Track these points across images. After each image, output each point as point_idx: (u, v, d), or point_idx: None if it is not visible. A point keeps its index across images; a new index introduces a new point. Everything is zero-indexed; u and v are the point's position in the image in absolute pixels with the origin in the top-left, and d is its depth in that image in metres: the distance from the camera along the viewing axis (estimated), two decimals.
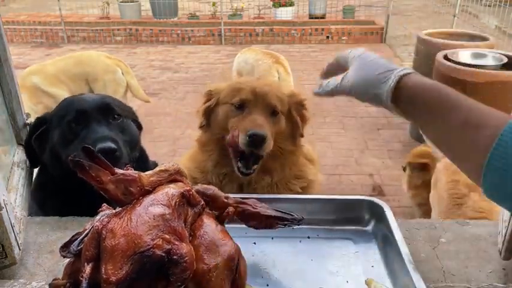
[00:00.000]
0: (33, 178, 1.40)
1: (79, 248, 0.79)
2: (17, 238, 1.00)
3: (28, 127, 1.36)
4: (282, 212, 0.97)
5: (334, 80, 0.96)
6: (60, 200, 1.30)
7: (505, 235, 1.01)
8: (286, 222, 0.96)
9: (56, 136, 1.29)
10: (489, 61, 3.53)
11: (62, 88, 4.20)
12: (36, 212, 1.33)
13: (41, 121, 1.34)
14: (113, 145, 1.20)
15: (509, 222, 0.99)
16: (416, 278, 0.84)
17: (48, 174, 1.34)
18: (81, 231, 0.83)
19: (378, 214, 1.08)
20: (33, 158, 1.34)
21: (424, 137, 0.80)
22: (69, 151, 1.23)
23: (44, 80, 4.13)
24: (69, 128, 1.27)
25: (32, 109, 3.99)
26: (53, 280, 0.79)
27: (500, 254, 1.03)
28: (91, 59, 4.35)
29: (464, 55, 3.62)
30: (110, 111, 1.32)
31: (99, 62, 4.29)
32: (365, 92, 0.87)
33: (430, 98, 0.77)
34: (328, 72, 1.04)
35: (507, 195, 0.65)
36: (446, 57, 3.65)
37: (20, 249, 1.01)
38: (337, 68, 1.01)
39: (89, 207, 1.00)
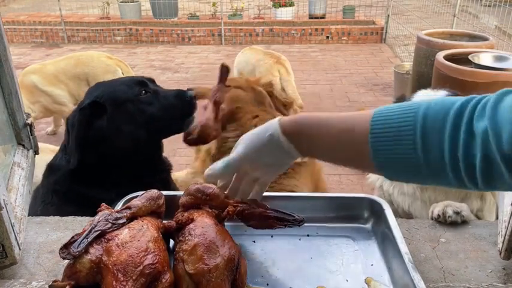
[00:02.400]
0: (50, 172, 1.40)
1: (79, 249, 0.79)
2: (17, 238, 1.00)
3: (80, 117, 1.30)
4: (282, 212, 0.97)
5: (222, 160, 0.94)
6: (104, 185, 1.33)
7: (505, 235, 1.01)
8: (286, 223, 0.96)
9: (129, 115, 1.33)
10: (510, 64, 3.53)
11: (61, 88, 4.20)
12: (51, 202, 1.36)
13: (96, 108, 1.31)
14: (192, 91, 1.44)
15: (509, 222, 0.99)
16: (416, 277, 0.84)
17: (97, 162, 1.34)
18: (80, 232, 0.83)
19: (378, 212, 1.08)
20: (82, 150, 1.30)
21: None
22: (151, 119, 1.35)
23: (42, 79, 4.13)
24: (140, 100, 1.35)
25: (29, 108, 4.00)
26: (53, 282, 0.79)
27: (500, 254, 1.03)
28: (91, 59, 4.35)
29: (486, 57, 3.62)
30: (154, 82, 1.50)
31: (100, 63, 4.29)
32: (258, 148, 0.89)
33: (310, 125, 0.85)
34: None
35: (399, 171, 0.76)
36: (449, 54, 3.65)
37: (20, 249, 1.01)
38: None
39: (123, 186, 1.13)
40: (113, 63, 4.31)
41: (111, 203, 1.00)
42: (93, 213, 0.92)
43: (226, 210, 0.96)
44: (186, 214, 0.94)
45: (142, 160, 1.39)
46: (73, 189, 1.36)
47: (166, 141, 1.50)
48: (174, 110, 1.39)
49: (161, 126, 1.39)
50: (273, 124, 0.87)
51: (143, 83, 1.40)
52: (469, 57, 3.61)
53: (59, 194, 1.37)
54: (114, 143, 1.33)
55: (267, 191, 1.04)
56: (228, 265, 0.82)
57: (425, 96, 1.55)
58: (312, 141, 0.84)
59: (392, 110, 0.76)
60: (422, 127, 0.70)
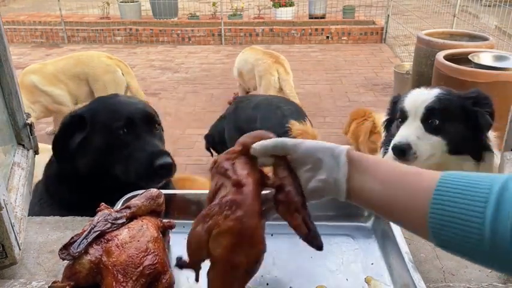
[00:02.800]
0: (49, 168, 1.40)
1: (78, 250, 0.79)
2: (17, 238, 1.00)
3: (62, 124, 1.31)
4: (315, 231, 0.82)
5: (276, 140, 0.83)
6: (79, 193, 1.30)
7: None
8: (306, 238, 0.81)
9: (101, 141, 1.26)
10: (510, 64, 3.54)
11: (60, 88, 4.21)
12: (46, 202, 1.36)
13: (78, 120, 1.29)
14: (170, 160, 1.24)
15: None
16: (416, 277, 0.84)
17: (71, 169, 1.31)
18: (79, 232, 0.83)
19: None
20: (60, 152, 1.31)
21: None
22: (116, 157, 1.25)
23: (42, 79, 4.13)
24: (117, 135, 1.25)
25: (29, 107, 4.00)
26: (52, 283, 0.79)
27: None
28: (91, 59, 4.35)
29: (486, 57, 3.63)
30: (154, 122, 1.34)
31: (100, 62, 4.29)
32: (315, 150, 0.78)
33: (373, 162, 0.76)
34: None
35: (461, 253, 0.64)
36: (449, 54, 3.66)
37: (20, 249, 1.01)
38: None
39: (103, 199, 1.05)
40: (112, 63, 4.31)
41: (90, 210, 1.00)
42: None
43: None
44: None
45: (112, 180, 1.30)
46: (59, 192, 1.35)
47: (166, 141, 1.49)
48: (135, 169, 1.24)
49: (118, 171, 1.28)
50: (338, 146, 0.78)
51: (131, 121, 1.27)
52: (469, 56, 3.62)
53: (50, 194, 1.37)
54: (84, 159, 1.29)
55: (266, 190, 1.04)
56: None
57: (420, 94, 1.49)
58: (373, 176, 0.73)
59: (463, 185, 0.63)
60: (495, 209, 0.59)
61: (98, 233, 0.83)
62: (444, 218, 0.63)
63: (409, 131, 1.42)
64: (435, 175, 0.67)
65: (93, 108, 1.33)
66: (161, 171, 1.22)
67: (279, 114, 2.98)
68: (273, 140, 0.81)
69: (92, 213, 0.92)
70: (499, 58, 3.63)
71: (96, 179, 1.29)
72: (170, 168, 1.23)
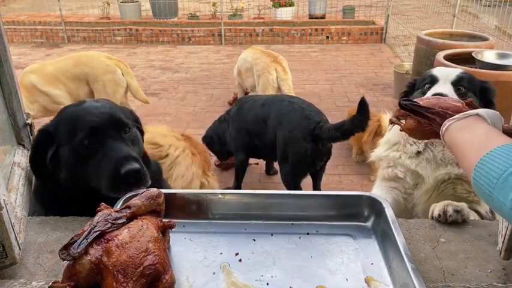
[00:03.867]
0: (37, 184, 1.38)
1: (78, 250, 0.79)
2: (17, 238, 1.00)
3: (34, 141, 1.28)
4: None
5: None
6: (64, 204, 1.27)
7: (505, 235, 1.01)
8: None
9: (68, 154, 1.22)
10: None
11: (59, 88, 4.21)
12: (39, 211, 1.34)
13: (45, 136, 1.25)
14: (137, 165, 1.17)
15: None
16: (415, 277, 0.84)
17: (54, 182, 1.28)
18: (79, 233, 0.83)
19: (378, 210, 1.08)
20: (38, 170, 1.28)
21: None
22: (86, 168, 1.21)
23: (41, 79, 4.14)
24: (83, 146, 1.20)
25: (28, 107, 4.01)
26: (53, 283, 0.79)
27: (500, 253, 1.03)
28: (91, 59, 4.35)
29: (490, 55, 3.65)
30: (122, 126, 1.27)
31: (99, 63, 4.29)
32: None
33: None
34: None
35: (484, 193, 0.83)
36: (449, 54, 3.67)
37: (20, 249, 1.01)
38: None
39: (89, 210, 1.03)
40: (112, 64, 4.31)
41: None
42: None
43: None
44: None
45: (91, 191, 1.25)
46: (46, 203, 1.33)
47: None
48: (102, 179, 1.19)
49: (92, 182, 1.23)
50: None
51: (94, 130, 1.21)
52: (473, 54, 3.62)
53: (44, 206, 1.35)
54: (60, 173, 1.25)
55: (266, 189, 1.04)
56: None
57: (448, 68, 1.66)
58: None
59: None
60: None
61: (98, 233, 0.83)
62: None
63: (443, 88, 1.58)
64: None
65: (58, 121, 1.29)
66: (128, 179, 1.14)
67: (297, 111, 2.94)
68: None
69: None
70: (502, 56, 3.65)
71: (79, 191, 1.25)
72: (138, 174, 1.15)
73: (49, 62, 4.48)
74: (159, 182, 1.46)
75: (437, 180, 1.59)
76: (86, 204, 1.11)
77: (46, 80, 4.15)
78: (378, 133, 3.52)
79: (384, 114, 3.69)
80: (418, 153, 1.63)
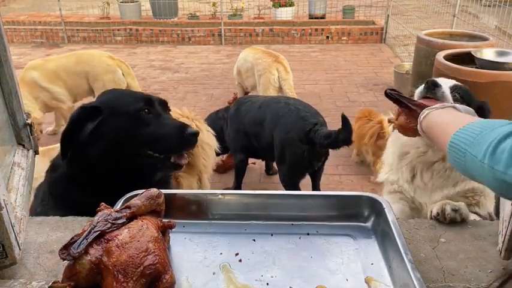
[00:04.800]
0: (52, 171, 1.39)
1: (78, 250, 0.79)
2: (17, 238, 1.00)
3: (71, 117, 1.31)
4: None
5: None
6: (89, 192, 1.28)
7: (505, 235, 1.01)
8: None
9: (123, 123, 1.31)
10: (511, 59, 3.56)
11: (59, 85, 4.23)
12: (48, 204, 1.35)
13: (92, 111, 1.30)
14: (196, 130, 1.38)
15: (509, 222, 0.99)
16: (415, 277, 0.84)
17: (80, 166, 1.31)
18: (80, 232, 0.83)
19: (378, 210, 1.08)
20: (67, 148, 1.30)
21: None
22: (141, 135, 1.32)
23: (42, 75, 4.16)
24: (138, 116, 1.32)
25: (32, 103, 4.03)
26: (53, 283, 0.79)
27: (500, 253, 1.03)
28: (93, 58, 4.36)
29: (489, 53, 3.66)
30: (166, 105, 1.46)
31: (101, 62, 4.30)
32: None
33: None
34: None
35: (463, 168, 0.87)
36: (450, 54, 3.67)
37: (20, 249, 1.01)
38: None
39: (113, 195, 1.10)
40: (113, 64, 4.32)
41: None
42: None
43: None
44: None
45: (128, 171, 1.32)
46: (67, 193, 1.33)
47: None
48: (168, 140, 1.34)
49: (148, 149, 1.33)
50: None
51: (150, 102, 1.37)
52: (472, 52, 3.62)
53: (55, 196, 1.36)
54: (96, 149, 1.29)
55: (266, 188, 1.04)
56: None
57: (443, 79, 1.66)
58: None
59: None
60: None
61: (98, 233, 0.83)
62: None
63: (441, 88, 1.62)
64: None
65: (106, 99, 1.39)
66: (192, 139, 1.36)
67: (293, 112, 2.93)
68: None
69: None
70: (501, 54, 3.65)
71: (107, 172, 1.29)
72: (196, 137, 1.36)
73: (51, 58, 4.49)
74: (168, 183, 1.49)
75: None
76: (106, 191, 1.14)
77: (47, 76, 4.17)
78: (381, 136, 3.48)
79: (385, 116, 3.63)
80: (413, 177, 1.60)
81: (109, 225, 0.86)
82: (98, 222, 0.86)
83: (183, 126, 1.36)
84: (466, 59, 3.67)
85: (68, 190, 1.33)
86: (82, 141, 1.28)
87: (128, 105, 1.33)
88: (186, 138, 1.34)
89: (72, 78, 4.27)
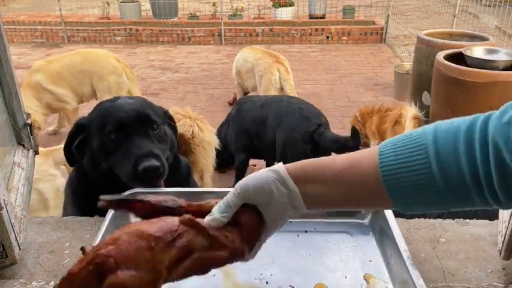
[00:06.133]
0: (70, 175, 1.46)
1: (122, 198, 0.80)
2: (17, 238, 1.00)
3: (68, 133, 1.36)
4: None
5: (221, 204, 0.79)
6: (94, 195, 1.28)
7: (505, 235, 1.01)
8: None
9: (96, 145, 1.28)
10: (501, 57, 3.58)
11: (63, 86, 4.24)
12: (70, 206, 1.39)
13: (79, 128, 1.32)
14: (156, 163, 1.18)
15: (509, 222, 0.99)
16: (414, 273, 0.84)
17: (85, 173, 1.35)
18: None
19: None
20: (71, 160, 1.36)
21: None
22: (109, 162, 1.26)
23: (46, 77, 4.16)
24: (109, 139, 1.25)
25: (36, 106, 4.04)
26: (83, 247, 0.74)
27: (500, 254, 1.03)
28: (99, 58, 4.36)
29: (479, 51, 3.69)
30: (149, 123, 1.29)
31: (107, 63, 4.31)
32: (261, 189, 0.76)
33: (313, 167, 0.78)
34: None
35: (421, 202, 0.70)
36: (450, 54, 3.69)
37: (20, 249, 1.01)
38: None
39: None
40: (120, 67, 4.32)
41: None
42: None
43: None
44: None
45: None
46: (78, 193, 1.38)
47: None
48: (122, 173, 1.24)
49: (107, 170, 1.29)
50: (276, 168, 0.77)
51: (120, 126, 1.26)
52: (462, 50, 3.65)
53: (72, 194, 1.41)
54: (86, 161, 1.32)
55: None
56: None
57: None
58: (317, 183, 0.75)
59: (400, 139, 0.72)
60: (435, 149, 0.67)
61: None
62: (395, 174, 0.69)
63: None
64: (372, 153, 0.73)
65: (92, 116, 1.35)
66: (145, 175, 1.17)
67: (296, 111, 2.93)
68: (221, 209, 0.76)
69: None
70: (491, 52, 3.68)
71: (99, 177, 1.31)
72: (155, 171, 1.17)
73: (54, 59, 4.46)
74: (188, 182, 1.47)
75: None
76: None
77: (50, 78, 4.18)
78: (398, 122, 3.75)
79: (408, 106, 3.91)
80: None
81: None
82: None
83: (139, 159, 1.18)
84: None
85: (79, 190, 1.38)
86: (72, 151, 1.33)
87: (102, 127, 1.27)
88: (138, 174, 1.17)
89: (76, 77, 4.26)
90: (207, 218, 0.75)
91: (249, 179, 0.77)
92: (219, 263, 0.75)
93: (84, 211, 1.27)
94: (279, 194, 0.74)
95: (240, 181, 0.78)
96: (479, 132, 0.66)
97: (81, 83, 4.29)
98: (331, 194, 0.75)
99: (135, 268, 0.67)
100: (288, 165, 0.77)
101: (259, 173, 0.77)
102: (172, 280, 0.72)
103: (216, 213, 0.75)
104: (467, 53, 3.61)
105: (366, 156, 0.74)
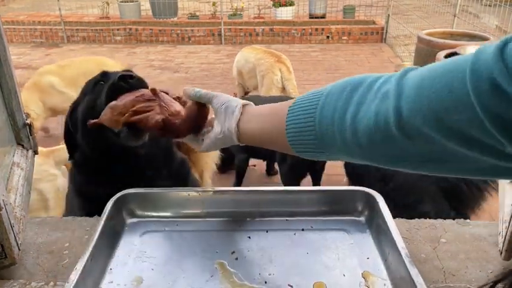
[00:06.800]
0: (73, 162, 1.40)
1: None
2: (17, 238, 1.00)
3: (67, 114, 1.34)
4: None
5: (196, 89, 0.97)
6: (96, 179, 1.27)
7: (506, 235, 1.01)
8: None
9: (84, 105, 1.22)
10: None
11: (75, 90, 4.27)
12: (73, 199, 1.36)
13: (72, 106, 1.32)
14: (131, 72, 1.10)
15: (509, 222, 0.99)
16: (412, 271, 0.83)
17: (84, 158, 1.30)
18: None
19: (371, 204, 1.08)
20: (71, 145, 1.31)
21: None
22: (94, 109, 1.14)
23: (61, 80, 4.19)
24: (94, 89, 1.20)
25: (38, 109, 4.04)
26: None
27: (501, 254, 1.03)
28: (110, 66, 4.40)
29: (472, 50, 3.68)
30: (131, 76, 1.15)
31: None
32: (222, 135, 0.89)
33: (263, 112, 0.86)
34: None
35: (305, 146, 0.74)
36: (450, 54, 3.69)
37: (19, 250, 1.01)
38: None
39: (121, 181, 1.13)
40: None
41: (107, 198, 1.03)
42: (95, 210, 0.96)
43: None
44: None
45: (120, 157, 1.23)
46: (78, 183, 1.35)
47: None
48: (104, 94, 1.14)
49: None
50: (246, 104, 0.89)
51: (105, 74, 1.23)
52: (456, 49, 3.65)
53: (74, 185, 1.37)
54: (79, 136, 1.26)
55: (262, 185, 1.04)
56: None
57: None
58: (251, 121, 0.85)
59: (308, 93, 0.77)
60: (325, 97, 0.72)
61: None
62: (293, 128, 0.74)
63: None
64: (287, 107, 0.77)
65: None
66: (123, 81, 1.07)
67: None
68: (203, 91, 0.95)
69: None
70: None
71: (97, 161, 1.25)
72: (132, 78, 1.07)
73: (66, 64, 4.46)
74: (186, 179, 1.43)
75: None
76: (106, 182, 1.18)
77: (65, 81, 4.20)
78: None
79: None
80: None
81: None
82: None
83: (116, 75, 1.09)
84: None
85: (78, 180, 1.34)
86: (73, 134, 1.29)
87: (88, 86, 1.26)
88: (117, 84, 1.06)
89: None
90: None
91: (225, 97, 0.91)
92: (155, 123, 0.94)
93: (90, 199, 1.25)
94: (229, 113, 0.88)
95: (222, 94, 0.93)
96: (366, 84, 0.66)
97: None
98: (259, 135, 0.84)
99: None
100: (251, 104, 0.89)
101: (234, 98, 0.91)
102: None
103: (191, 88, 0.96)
104: (461, 52, 3.62)
105: (285, 104, 0.78)
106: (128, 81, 1.06)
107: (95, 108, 1.14)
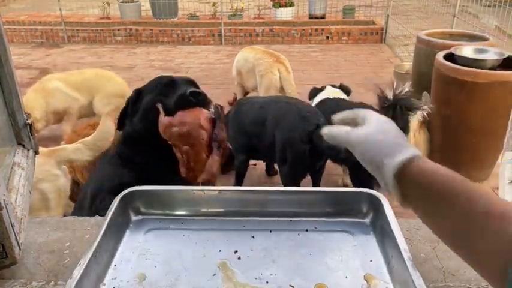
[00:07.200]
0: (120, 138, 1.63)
1: None
2: (17, 238, 1.00)
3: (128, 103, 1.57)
4: None
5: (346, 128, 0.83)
6: (145, 155, 1.47)
7: None
8: None
9: (148, 99, 1.47)
10: (490, 56, 3.58)
11: (83, 95, 4.36)
12: (117, 161, 1.55)
13: (136, 93, 1.56)
14: (199, 90, 1.42)
15: None
16: (415, 275, 0.83)
17: (137, 135, 1.51)
18: None
19: (376, 206, 1.07)
20: (121, 123, 1.57)
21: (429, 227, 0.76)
22: (163, 105, 1.41)
23: (68, 85, 4.28)
24: (164, 89, 1.46)
25: (42, 112, 4.08)
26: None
27: None
28: (113, 80, 4.46)
29: (468, 50, 3.68)
30: (195, 85, 1.52)
31: (119, 85, 4.40)
32: (372, 156, 0.76)
33: (439, 179, 0.69)
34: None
35: None
36: (449, 54, 3.69)
37: (20, 249, 1.01)
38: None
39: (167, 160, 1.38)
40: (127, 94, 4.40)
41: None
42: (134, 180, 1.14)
43: None
44: None
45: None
46: (130, 155, 1.52)
47: None
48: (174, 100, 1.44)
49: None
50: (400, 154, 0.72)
51: (174, 80, 1.51)
52: (452, 50, 3.64)
53: (122, 158, 1.54)
54: (136, 121, 1.50)
55: (262, 185, 1.04)
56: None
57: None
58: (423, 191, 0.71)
59: None
60: None
61: None
62: None
63: None
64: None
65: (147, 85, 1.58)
66: (191, 97, 1.38)
67: (295, 112, 2.93)
68: (341, 130, 0.82)
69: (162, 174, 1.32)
70: (481, 51, 3.68)
71: (150, 133, 1.43)
72: (200, 95, 1.39)
73: (73, 73, 4.61)
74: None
75: None
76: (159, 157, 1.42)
77: (72, 86, 4.29)
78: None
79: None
80: None
81: None
82: None
83: (187, 90, 1.39)
84: (467, 59, 3.68)
85: (126, 152, 1.54)
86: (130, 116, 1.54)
87: (156, 84, 1.51)
88: (187, 98, 1.38)
89: (89, 90, 4.40)
90: None
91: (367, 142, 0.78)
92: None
93: (132, 169, 1.45)
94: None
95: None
96: None
97: (92, 96, 4.40)
98: (435, 216, 0.71)
99: None
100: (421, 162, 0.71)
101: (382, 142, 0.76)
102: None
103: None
104: (457, 52, 3.62)
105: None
106: (197, 98, 1.37)
107: (161, 104, 1.41)
